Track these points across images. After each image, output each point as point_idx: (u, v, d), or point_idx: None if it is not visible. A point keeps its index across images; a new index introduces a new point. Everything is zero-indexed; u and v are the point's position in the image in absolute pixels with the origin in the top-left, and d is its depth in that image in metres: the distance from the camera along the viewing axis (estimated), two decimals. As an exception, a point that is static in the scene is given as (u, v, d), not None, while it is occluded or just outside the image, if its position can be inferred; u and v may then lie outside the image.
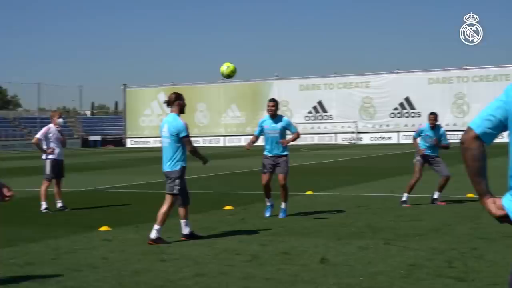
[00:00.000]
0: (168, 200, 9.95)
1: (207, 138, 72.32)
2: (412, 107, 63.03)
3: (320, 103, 67.27)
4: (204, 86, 74.07)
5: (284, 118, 12.45)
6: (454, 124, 60.14)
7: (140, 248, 9.38)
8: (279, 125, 12.23)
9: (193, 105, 72.98)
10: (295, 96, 66.71)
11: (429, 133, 13.73)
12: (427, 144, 13.77)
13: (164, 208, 9.93)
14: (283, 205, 12.33)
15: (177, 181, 9.90)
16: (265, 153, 12.40)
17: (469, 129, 3.24)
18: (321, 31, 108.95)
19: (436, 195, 13.81)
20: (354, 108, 65.65)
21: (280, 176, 12.20)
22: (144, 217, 12.60)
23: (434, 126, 13.78)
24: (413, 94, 62.52)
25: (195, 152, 10.05)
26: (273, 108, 12.31)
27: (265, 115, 12.58)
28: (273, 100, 12.58)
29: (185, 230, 10.07)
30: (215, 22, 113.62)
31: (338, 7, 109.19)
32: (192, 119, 73.12)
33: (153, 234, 9.72)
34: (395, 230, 10.42)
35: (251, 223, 11.50)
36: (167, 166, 10.00)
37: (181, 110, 10.14)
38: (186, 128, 9.96)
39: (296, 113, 67.63)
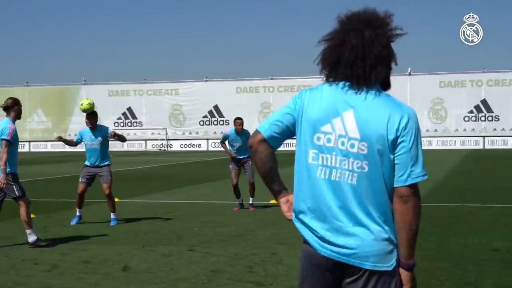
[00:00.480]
0: (20, 204, 9.78)
1: (11, 143, 69.37)
2: (221, 115, 64.07)
3: (129, 109, 66.66)
4: (7, 90, 70.88)
5: (104, 128, 12.25)
6: (261, 132, 61.95)
7: None
8: (100, 137, 12.03)
9: (-4, 109, 69.78)
10: (104, 102, 65.50)
11: (235, 137, 13.97)
12: (235, 148, 14.00)
13: (21, 212, 9.79)
14: (112, 215, 12.14)
15: (13, 186, 9.68)
16: (86, 162, 12.17)
17: (256, 132, 3.33)
18: (129, 37, 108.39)
19: (250, 201, 14.10)
20: (164, 115, 65.68)
21: (105, 186, 12.02)
22: None
23: (241, 131, 13.97)
24: (222, 102, 63.54)
25: (1, 159, 9.60)
26: (92, 121, 12.09)
27: (86, 127, 12.31)
28: (92, 113, 12.32)
29: None
30: (17, 22, 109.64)
31: (144, 14, 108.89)
32: (-6, 124, 69.87)
33: (30, 238, 9.65)
34: (199, 237, 10.54)
35: (53, 232, 11.17)
36: None
37: (17, 116, 9.90)
38: (11, 132, 9.63)
39: (105, 119, 66.47)
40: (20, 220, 12.48)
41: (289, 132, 3.30)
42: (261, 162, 3.33)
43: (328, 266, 3.19)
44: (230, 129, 14.26)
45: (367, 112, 3.11)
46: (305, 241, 3.26)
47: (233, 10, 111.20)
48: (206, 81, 65.70)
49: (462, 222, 11.86)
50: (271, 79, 64.16)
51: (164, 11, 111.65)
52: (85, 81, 68.72)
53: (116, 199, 15.38)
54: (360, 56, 3.11)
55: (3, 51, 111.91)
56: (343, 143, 3.12)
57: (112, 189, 12.10)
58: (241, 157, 14.06)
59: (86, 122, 12.13)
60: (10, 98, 10.09)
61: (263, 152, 3.31)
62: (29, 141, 69.23)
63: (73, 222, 12.08)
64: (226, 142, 14.16)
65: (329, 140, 3.15)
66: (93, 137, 12.02)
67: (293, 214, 3.30)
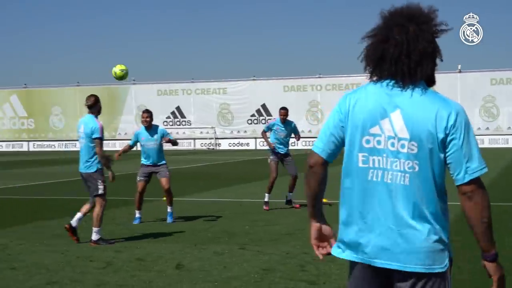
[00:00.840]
0: (98, 201, 10.02)
1: (62, 142, 70.42)
2: (268, 114, 64.04)
3: (178, 108, 67.13)
4: (59, 90, 72.07)
5: (160, 128, 12.40)
6: (309, 131, 61.70)
7: (-11, 256, 9.03)
8: (156, 136, 12.17)
9: (48, 108, 70.93)
10: (153, 101, 66.08)
11: (280, 126, 14.12)
12: (279, 140, 14.10)
13: (96, 210, 10.00)
14: (169, 209, 12.31)
15: (99, 181, 9.97)
16: (143, 162, 12.34)
17: (315, 154, 3.28)
18: (177, 37, 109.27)
19: (289, 196, 14.17)
20: (212, 114, 65.98)
21: (163, 180, 12.15)
22: (-6, 224, 12.17)
23: (285, 120, 14.16)
24: (269, 101, 63.50)
25: (103, 157, 9.98)
26: (148, 119, 12.23)
27: (141, 126, 12.46)
28: (147, 111, 12.45)
29: (75, 223, 10.04)
30: (68, 24, 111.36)
31: (192, 14, 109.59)
32: (47, 123, 71.03)
33: (94, 236, 9.87)
34: (250, 235, 10.58)
35: (107, 230, 11.29)
36: (83, 167, 10.04)
37: (99, 112, 10.28)
38: (101, 130, 10.00)
39: (154, 118, 66.99)
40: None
41: (344, 143, 3.28)
42: (317, 183, 3.29)
43: (379, 271, 3.18)
44: (276, 118, 14.52)
45: (414, 110, 3.07)
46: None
47: (280, 9, 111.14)
48: (253, 80, 65.79)
49: (516, 222, 11.67)
50: (319, 77, 63.91)
51: (212, 10, 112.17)
52: (134, 81, 69.39)
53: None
54: (404, 52, 3.08)
55: (55, 52, 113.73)
56: (393, 144, 3.09)
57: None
58: (283, 152, 14.15)
59: (142, 121, 12.30)
60: (92, 95, 10.42)
61: (322, 174, 3.29)
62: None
63: (135, 222, 12.18)
64: (269, 133, 14.28)
65: (379, 142, 3.12)
66: (149, 136, 12.16)
67: (338, 236, 3.29)
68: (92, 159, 9.97)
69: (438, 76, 3.27)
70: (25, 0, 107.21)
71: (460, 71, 55.75)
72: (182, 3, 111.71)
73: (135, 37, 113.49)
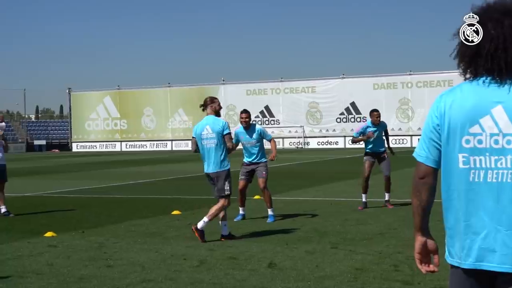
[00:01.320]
0: (222, 200, 10.26)
1: (154, 142, 71.87)
2: (357, 112, 63.59)
3: (267, 107, 67.45)
4: (151, 91, 73.58)
5: (257, 127, 12.54)
6: (399, 129, 60.94)
7: (86, 254, 9.27)
8: (254, 135, 12.37)
9: (140, 109, 72.49)
10: (242, 101, 66.56)
11: (372, 129, 13.92)
12: (370, 141, 13.87)
13: (217, 205, 10.26)
14: (269, 211, 12.41)
15: (226, 182, 10.20)
16: (244, 160, 12.57)
17: (422, 164, 3.20)
18: (266, 37, 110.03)
19: (387, 197, 13.97)
20: (301, 113, 65.99)
21: (260, 180, 12.33)
22: (90, 222, 12.48)
23: (378, 122, 13.96)
24: (359, 99, 63.03)
25: (232, 150, 10.40)
26: (246, 119, 12.39)
27: (240, 126, 12.62)
28: (245, 111, 12.58)
29: (224, 231, 10.36)
30: (160, 26, 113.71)
31: (282, 13, 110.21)
32: (138, 124, 72.60)
33: (200, 224, 10.14)
34: (342, 234, 10.49)
35: (199, 228, 11.44)
36: (213, 167, 10.24)
37: (216, 113, 10.47)
38: (228, 126, 10.36)
39: (243, 117, 67.54)
40: (168, 216, 12.98)
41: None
42: (429, 193, 3.21)
43: (483, 275, 3.07)
44: (367, 121, 14.29)
45: None
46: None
47: (368, 6, 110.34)
48: (342, 78, 65.40)
49: None
50: (409, 74, 62.97)
51: (300, 10, 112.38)
52: (223, 81, 70.13)
53: (257, 197, 15.60)
54: (501, 47, 2.98)
55: (146, 54, 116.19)
56: (496, 142, 2.99)
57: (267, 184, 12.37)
58: (380, 149, 13.96)
59: (241, 121, 12.43)
60: (208, 96, 10.82)
61: (433, 183, 3.21)
62: (171, 140, 71.43)
63: (237, 219, 12.36)
64: (361, 137, 14.06)
65: (480, 142, 3.01)
66: (248, 136, 12.31)
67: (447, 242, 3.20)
68: (225, 157, 10.22)
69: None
70: (116, 5, 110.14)
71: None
72: (270, 4, 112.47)
73: (225, 38, 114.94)
